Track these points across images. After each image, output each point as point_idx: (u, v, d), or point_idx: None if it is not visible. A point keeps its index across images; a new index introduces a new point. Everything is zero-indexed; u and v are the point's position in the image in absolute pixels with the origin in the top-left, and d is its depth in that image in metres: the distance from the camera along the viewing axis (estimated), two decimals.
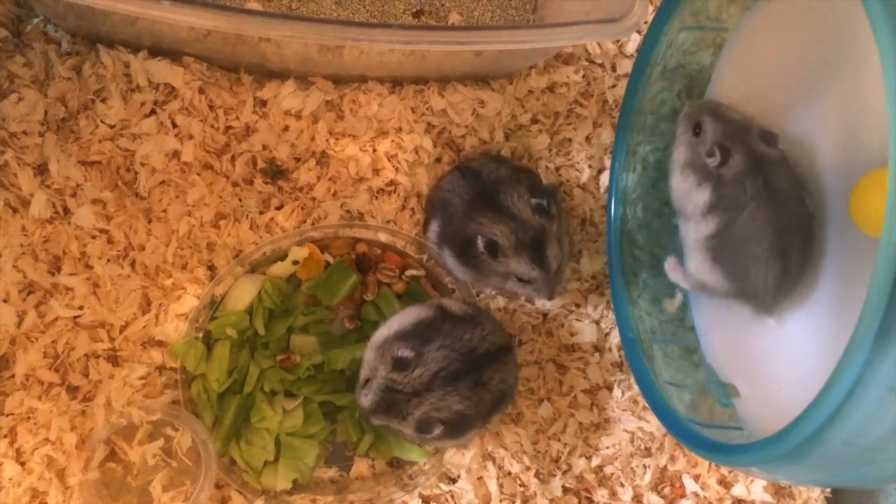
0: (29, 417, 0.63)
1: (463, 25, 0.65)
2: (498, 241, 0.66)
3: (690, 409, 0.68)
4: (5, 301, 0.63)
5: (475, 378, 0.65)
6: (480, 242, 0.66)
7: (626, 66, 0.77)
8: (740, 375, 0.66)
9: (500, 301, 0.75)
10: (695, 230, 0.63)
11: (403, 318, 0.66)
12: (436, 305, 0.68)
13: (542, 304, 0.75)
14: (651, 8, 0.74)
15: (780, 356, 0.63)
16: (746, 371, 0.66)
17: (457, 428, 0.65)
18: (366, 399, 0.64)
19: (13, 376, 0.63)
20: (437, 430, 0.63)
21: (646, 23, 0.70)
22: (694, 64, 0.73)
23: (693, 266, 0.65)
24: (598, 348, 0.76)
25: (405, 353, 0.62)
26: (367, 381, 0.64)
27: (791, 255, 0.58)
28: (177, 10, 0.47)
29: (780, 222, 0.59)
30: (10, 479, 0.61)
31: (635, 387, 0.73)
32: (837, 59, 0.58)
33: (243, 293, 0.70)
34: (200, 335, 0.69)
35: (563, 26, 0.54)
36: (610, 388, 0.75)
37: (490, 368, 0.66)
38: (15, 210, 0.64)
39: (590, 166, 0.78)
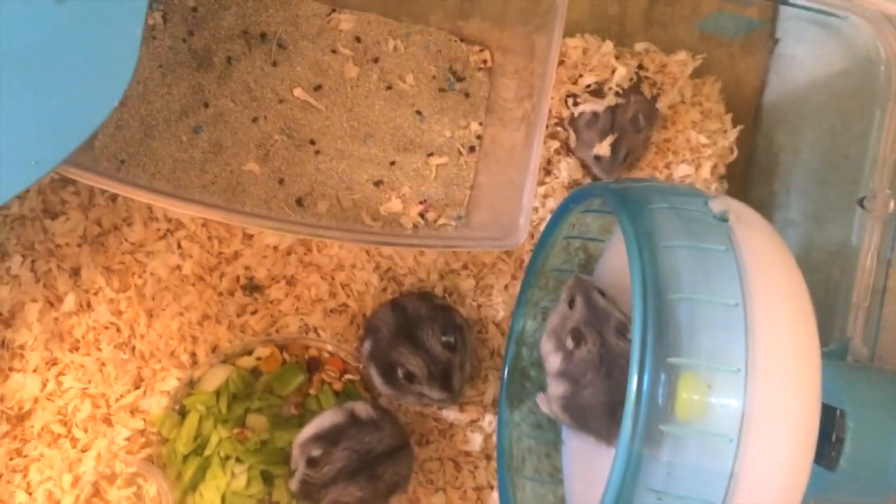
0: (39, 459, 0.83)
1: (399, 233, 0.85)
2: (414, 373, 0.86)
3: None
4: (34, 371, 0.84)
5: (371, 472, 0.82)
6: (401, 372, 0.86)
7: None
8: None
9: (417, 406, 0.95)
10: (549, 386, 0.79)
11: (321, 421, 0.84)
12: (348, 411, 0.85)
13: (448, 414, 0.95)
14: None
15: None
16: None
17: None
18: (292, 485, 0.82)
19: (32, 427, 0.83)
20: None
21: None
22: (594, 247, 0.92)
23: (551, 408, 0.81)
24: (487, 456, 0.95)
25: (316, 453, 0.80)
26: (294, 470, 0.83)
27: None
28: (172, 203, 0.67)
29: (617, 397, 0.75)
30: None
31: None
32: None
33: (215, 378, 0.88)
34: (177, 407, 0.89)
35: (466, 239, 0.75)
36: (493, 488, 0.94)
37: (383, 464, 0.84)
38: (52, 304, 0.85)
39: (504, 309, 0.98)
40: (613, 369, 0.75)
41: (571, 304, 0.79)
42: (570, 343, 0.76)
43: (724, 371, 0.57)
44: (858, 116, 0.90)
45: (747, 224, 0.68)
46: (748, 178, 1.07)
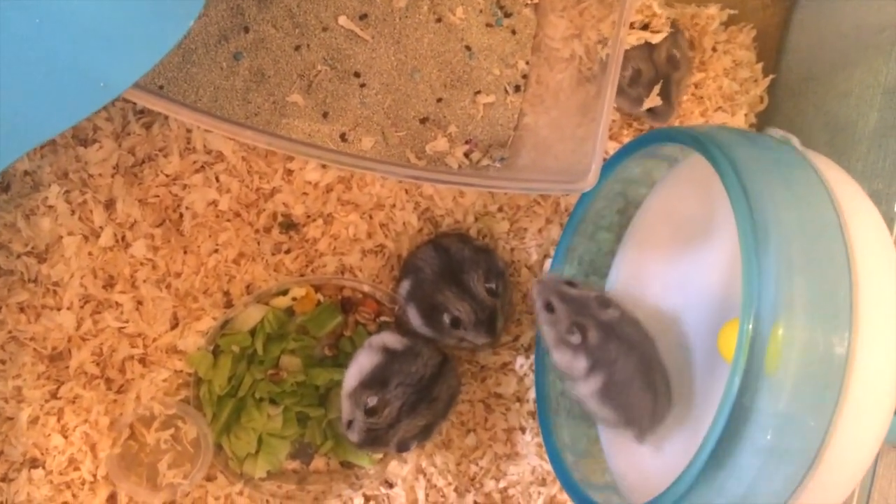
0: (75, 401, 0.79)
1: (456, 171, 0.83)
2: (461, 318, 0.85)
3: (579, 461, 0.89)
4: (68, 309, 0.78)
5: (429, 397, 0.82)
6: (447, 318, 0.85)
7: None
8: (624, 464, 0.86)
9: (455, 350, 0.94)
10: (584, 388, 0.76)
11: (360, 367, 0.81)
12: (380, 348, 0.83)
13: (480, 356, 0.95)
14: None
15: (661, 460, 0.82)
16: (630, 462, 0.86)
17: (426, 433, 0.83)
18: (353, 437, 0.80)
19: (67, 367, 0.79)
20: (413, 445, 0.82)
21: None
22: (632, 192, 0.92)
23: (587, 406, 0.79)
24: (519, 399, 0.96)
25: (373, 401, 0.79)
26: (350, 422, 0.80)
27: (658, 385, 0.76)
28: (210, 124, 0.63)
29: (640, 363, 0.74)
30: (55, 448, 0.77)
31: None
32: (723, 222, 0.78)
33: (250, 318, 0.86)
34: (212, 348, 0.86)
35: (532, 181, 0.74)
36: (523, 431, 0.95)
37: (436, 384, 0.83)
38: (87, 238, 0.79)
39: (537, 252, 0.97)
40: (626, 339, 0.75)
41: (549, 308, 0.76)
42: (575, 338, 0.74)
43: (830, 316, 0.58)
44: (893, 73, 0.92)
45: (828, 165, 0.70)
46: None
